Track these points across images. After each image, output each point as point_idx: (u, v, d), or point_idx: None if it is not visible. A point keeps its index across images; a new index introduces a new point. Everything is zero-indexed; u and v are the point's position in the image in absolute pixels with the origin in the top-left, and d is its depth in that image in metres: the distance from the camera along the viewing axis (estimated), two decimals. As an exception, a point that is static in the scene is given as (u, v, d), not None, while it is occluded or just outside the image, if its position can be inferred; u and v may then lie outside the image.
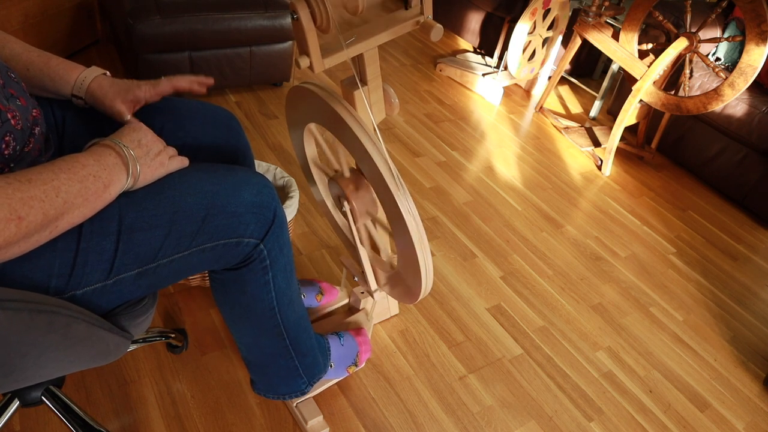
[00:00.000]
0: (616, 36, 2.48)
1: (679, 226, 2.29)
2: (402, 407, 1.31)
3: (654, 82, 2.35)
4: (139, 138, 0.75)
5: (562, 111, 2.99)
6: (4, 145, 0.67)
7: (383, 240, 1.29)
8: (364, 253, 1.22)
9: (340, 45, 0.92)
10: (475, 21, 3.24)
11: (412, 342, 1.47)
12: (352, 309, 1.44)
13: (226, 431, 1.17)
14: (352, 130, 0.93)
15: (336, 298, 1.49)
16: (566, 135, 2.68)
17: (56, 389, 0.95)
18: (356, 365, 1.27)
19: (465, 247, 1.85)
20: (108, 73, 0.91)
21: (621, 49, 2.39)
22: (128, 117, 0.88)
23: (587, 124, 2.84)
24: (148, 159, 0.75)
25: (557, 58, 2.99)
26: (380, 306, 1.47)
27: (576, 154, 2.61)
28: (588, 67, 3.42)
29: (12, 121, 0.68)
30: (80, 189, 0.66)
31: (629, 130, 2.73)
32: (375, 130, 0.99)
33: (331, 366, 1.22)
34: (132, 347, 1.25)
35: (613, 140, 2.45)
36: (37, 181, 0.62)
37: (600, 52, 3.30)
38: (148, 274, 0.77)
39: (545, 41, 2.83)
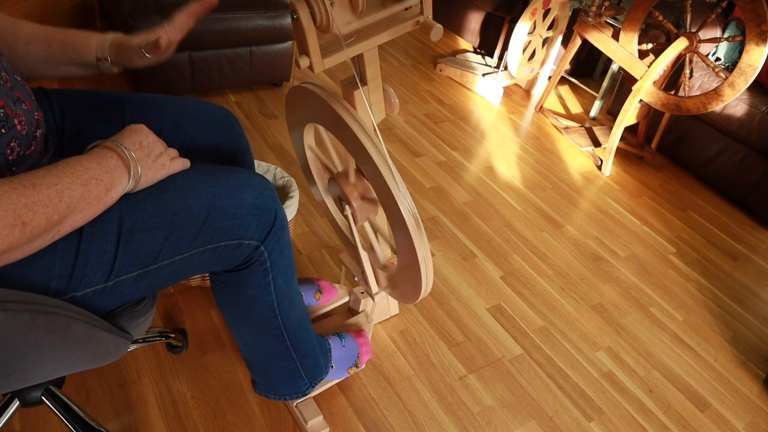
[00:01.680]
0: (616, 36, 2.48)
1: (679, 226, 2.29)
2: (402, 407, 1.31)
3: (654, 82, 2.35)
4: (140, 140, 0.75)
5: (562, 111, 2.99)
6: (8, 151, 0.67)
7: (383, 240, 1.29)
8: (364, 254, 1.22)
9: (340, 45, 0.92)
10: (475, 21, 3.24)
11: (412, 342, 1.47)
12: (351, 311, 1.44)
13: (226, 431, 1.17)
14: (352, 130, 0.93)
15: (335, 297, 1.49)
16: (566, 135, 2.68)
17: (56, 389, 0.95)
18: (357, 366, 1.27)
19: (465, 247, 1.85)
20: None
21: (621, 49, 2.39)
22: (156, 36, 0.85)
23: (587, 124, 2.84)
24: (149, 161, 0.75)
25: (557, 58, 2.99)
26: (380, 306, 1.47)
27: (576, 154, 2.61)
28: (588, 67, 3.42)
29: (18, 127, 0.68)
30: (83, 193, 0.66)
31: (629, 130, 2.73)
32: (375, 130, 0.99)
33: (332, 367, 1.22)
34: (132, 347, 1.25)
35: (613, 140, 2.45)
36: (40, 185, 0.62)
37: (600, 52, 3.30)
38: (148, 275, 0.77)
39: (545, 41, 2.83)
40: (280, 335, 1.01)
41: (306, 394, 1.14)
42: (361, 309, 1.41)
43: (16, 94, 0.71)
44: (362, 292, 1.41)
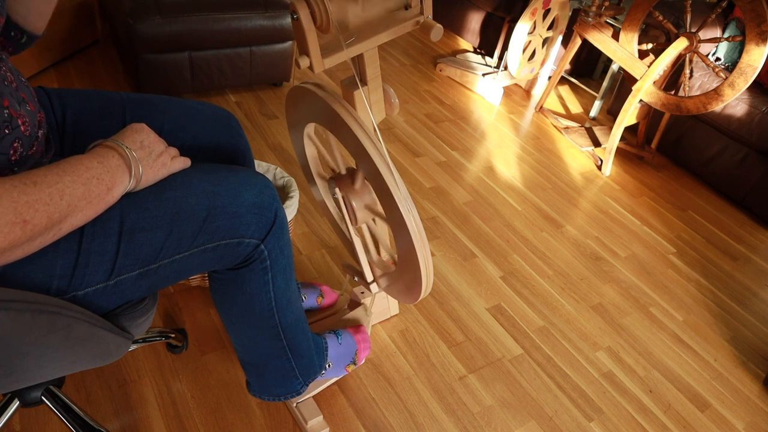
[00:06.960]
0: (616, 36, 2.48)
1: (679, 226, 2.29)
2: (402, 407, 1.31)
3: (654, 82, 2.35)
4: (141, 139, 0.75)
5: (562, 111, 2.99)
6: (11, 152, 0.67)
7: (383, 240, 1.29)
8: (361, 250, 1.22)
9: (340, 45, 0.92)
10: (475, 21, 3.24)
11: (412, 342, 1.48)
12: (351, 304, 1.43)
13: (226, 431, 1.17)
14: (352, 130, 0.94)
15: (336, 303, 1.48)
16: (566, 135, 2.68)
17: (56, 389, 0.95)
18: (355, 363, 1.27)
19: (465, 247, 1.85)
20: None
21: (621, 49, 2.39)
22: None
23: (587, 124, 2.84)
24: (150, 160, 0.75)
25: (557, 58, 2.99)
26: (380, 306, 1.47)
27: (576, 154, 2.61)
28: (588, 67, 3.42)
29: (22, 128, 0.69)
30: (84, 192, 0.66)
31: (629, 130, 2.73)
32: (375, 130, 0.99)
33: (329, 365, 1.22)
34: (132, 347, 1.25)
35: (613, 140, 2.45)
36: (42, 183, 0.62)
37: (600, 52, 3.30)
38: (149, 274, 0.77)
39: (545, 41, 2.83)
40: (277, 334, 1.01)
41: (300, 393, 1.14)
42: (361, 302, 1.41)
43: (20, 95, 0.71)
44: (362, 292, 1.41)
